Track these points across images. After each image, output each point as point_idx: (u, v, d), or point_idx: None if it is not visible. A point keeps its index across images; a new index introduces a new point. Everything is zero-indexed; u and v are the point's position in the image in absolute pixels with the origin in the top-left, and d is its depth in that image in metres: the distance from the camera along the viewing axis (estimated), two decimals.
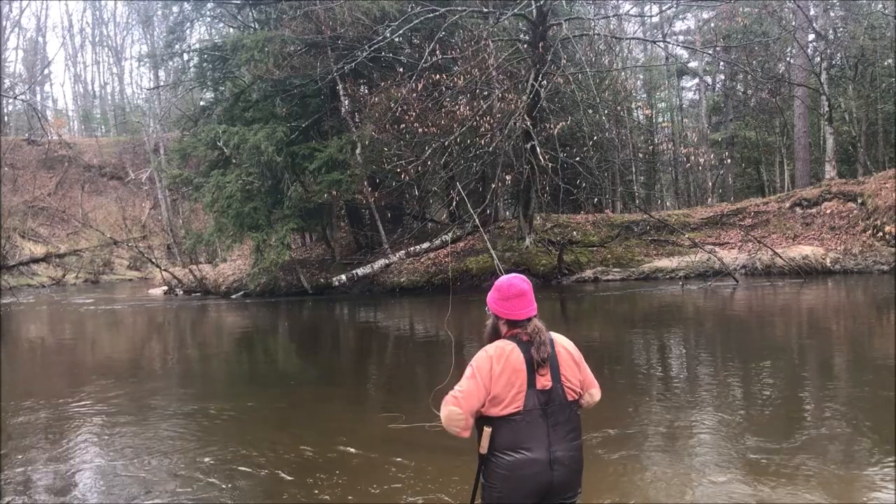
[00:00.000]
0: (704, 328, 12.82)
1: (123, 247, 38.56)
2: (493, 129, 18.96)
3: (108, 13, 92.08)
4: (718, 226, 22.11)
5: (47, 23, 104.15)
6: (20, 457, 6.15)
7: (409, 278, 21.06)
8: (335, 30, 19.87)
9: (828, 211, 20.84)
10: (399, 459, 5.57)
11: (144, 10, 44.75)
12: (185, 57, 26.66)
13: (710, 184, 33.09)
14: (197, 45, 26.95)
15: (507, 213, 27.61)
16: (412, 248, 21.59)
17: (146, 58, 38.65)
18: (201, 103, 29.21)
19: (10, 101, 47.11)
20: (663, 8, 30.82)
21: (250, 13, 24.71)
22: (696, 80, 36.22)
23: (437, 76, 18.85)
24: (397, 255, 21.55)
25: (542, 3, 19.00)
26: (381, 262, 21.43)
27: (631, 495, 4.78)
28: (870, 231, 19.38)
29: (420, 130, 18.73)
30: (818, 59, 25.79)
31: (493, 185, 19.89)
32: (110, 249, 39.97)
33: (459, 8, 19.75)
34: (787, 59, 29.78)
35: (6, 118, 54.66)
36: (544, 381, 2.77)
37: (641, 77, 35.10)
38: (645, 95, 36.17)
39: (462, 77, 19.03)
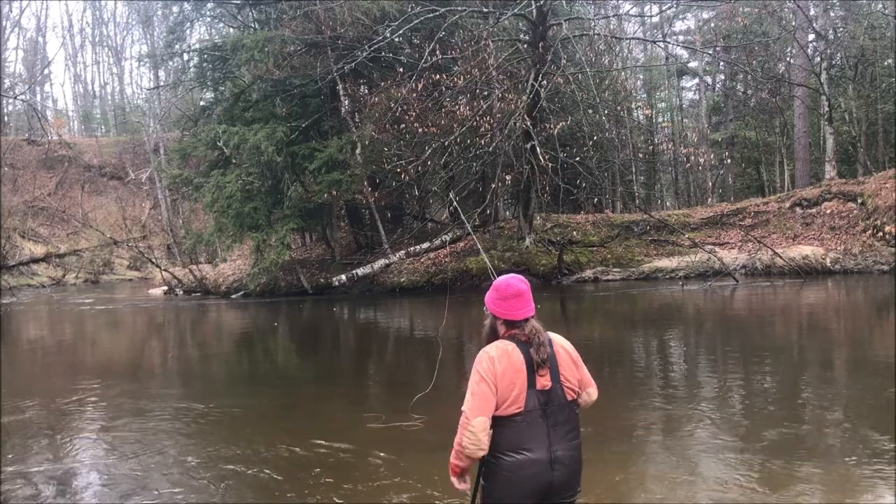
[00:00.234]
0: (704, 328, 12.82)
1: (123, 247, 38.56)
2: (493, 129, 18.96)
3: (108, 13, 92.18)
4: (718, 226, 22.11)
5: (47, 23, 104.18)
6: (20, 456, 6.16)
7: (408, 278, 21.07)
8: (335, 30, 19.87)
9: (828, 211, 20.84)
10: (388, 457, 5.58)
11: (144, 10, 44.79)
12: (185, 57, 26.69)
13: (710, 184, 33.09)
14: (197, 45, 26.97)
15: (507, 213, 27.61)
16: (412, 248, 21.60)
17: (146, 58, 38.68)
18: (201, 103, 29.22)
19: (10, 101, 47.16)
20: (663, 8, 30.83)
21: (250, 13, 24.72)
22: (696, 80, 36.22)
23: (437, 76, 18.85)
24: (397, 255, 21.56)
25: (542, 3, 19.00)
26: (381, 262, 21.44)
27: (631, 495, 4.79)
28: (870, 231, 19.38)
29: (420, 130, 18.74)
30: (818, 59, 25.79)
31: (493, 185, 19.90)
32: (110, 249, 39.96)
33: (459, 8, 19.76)
34: (787, 59, 29.78)
35: (6, 118, 54.67)
36: (544, 382, 2.77)
37: (641, 77, 35.10)
38: (645, 95, 36.17)
39: (462, 77, 19.03)
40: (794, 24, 26.23)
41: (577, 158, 20.04)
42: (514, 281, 2.92)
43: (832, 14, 29.12)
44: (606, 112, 23.04)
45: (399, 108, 18.96)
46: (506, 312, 2.87)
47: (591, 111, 21.21)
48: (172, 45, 26.16)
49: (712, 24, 31.49)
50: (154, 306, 23.02)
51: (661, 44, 30.03)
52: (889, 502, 4.44)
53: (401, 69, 19.91)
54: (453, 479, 2.89)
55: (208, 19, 29.82)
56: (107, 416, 7.58)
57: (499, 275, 3.07)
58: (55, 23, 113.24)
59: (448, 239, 21.07)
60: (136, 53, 66.25)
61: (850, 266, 18.86)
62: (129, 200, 47.74)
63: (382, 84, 20.71)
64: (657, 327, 12.74)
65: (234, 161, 21.33)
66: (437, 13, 18.78)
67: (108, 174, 50.95)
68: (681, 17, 36.13)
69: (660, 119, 38.66)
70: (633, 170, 29.92)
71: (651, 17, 32.52)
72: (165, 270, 27.35)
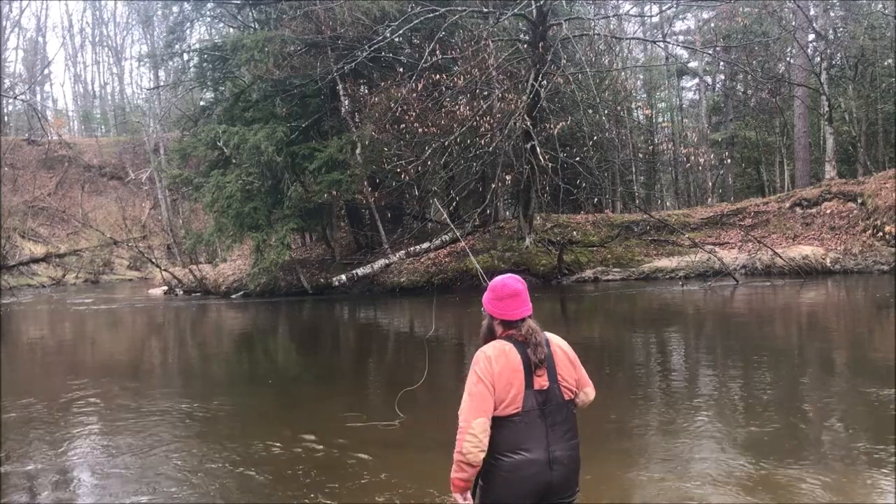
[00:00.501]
0: (704, 328, 12.82)
1: (123, 247, 38.55)
2: (493, 129, 18.96)
3: (108, 13, 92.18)
4: (718, 226, 22.12)
5: (47, 23, 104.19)
6: (20, 455, 6.17)
7: (409, 278, 21.07)
8: (335, 30, 19.87)
9: (828, 211, 20.84)
10: (389, 457, 5.57)
11: (144, 10, 44.79)
12: (185, 57, 26.68)
13: (710, 184, 33.09)
14: (197, 45, 26.96)
15: (507, 213, 27.60)
16: (412, 248, 21.60)
17: (146, 58, 38.67)
18: (201, 103, 29.21)
19: (10, 101, 47.16)
20: (663, 8, 30.83)
21: (250, 13, 24.72)
22: (696, 80, 36.23)
23: (437, 76, 18.86)
24: (397, 255, 21.56)
25: (542, 3, 19.00)
26: (381, 262, 21.43)
27: (631, 495, 4.79)
28: (870, 231, 19.38)
29: (420, 130, 18.74)
30: (818, 59, 25.79)
31: (493, 185, 19.90)
32: (110, 249, 39.95)
33: (459, 8, 19.76)
34: (787, 59, 29.78)
35: (6, 118, 54.67)
36: (541, 382, 2.77)
37: (641, 77, 35.10)
38: (645, 95, 36.18)
39: (462, 77, 19.04)
40: (794, 24, 26.24)
41: (577, 158, 20.05)
42: (511, 281, 2.92)
43: (832, 14, 29.12)
44: (606, 112, 23.05)
45: (399, 108, 18.96)
46: (502, 312, 2.87)
47: (591, 111, 21.21)
48: (172, 45, 26.15)
49: (712, 24, 31.50)
50: (154, 306, 23.02)
51: (661, 44, 30.05)
52: (889, 503, 4.43)
53: (401, 69, 19.91)
54: (456, 496, 2.78)
55: (208, 19, 29.82)
56: (104, 416, 7.59)
57: (496, 275, 3.06)
58: (55, 23, 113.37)
59: (445, 241, 21.05)
60: (136, 53, 66.36)
61: (850, 266, 18.86)
62: (129, 200, 47.74)
63: (382, 84, 20.71)
64: (657, 327, 12.74)
65: (234, 161, 21.33)
66: (437, 13, 18.78)
67: (108, 174, 50.95)
68: (681, 17, 36.17)
69: (660, 119, 38.67)
70: (633, 170, 29.93)
71: (651, 17, 32.55)
72: (165, 270, 27.35)
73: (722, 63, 32.31)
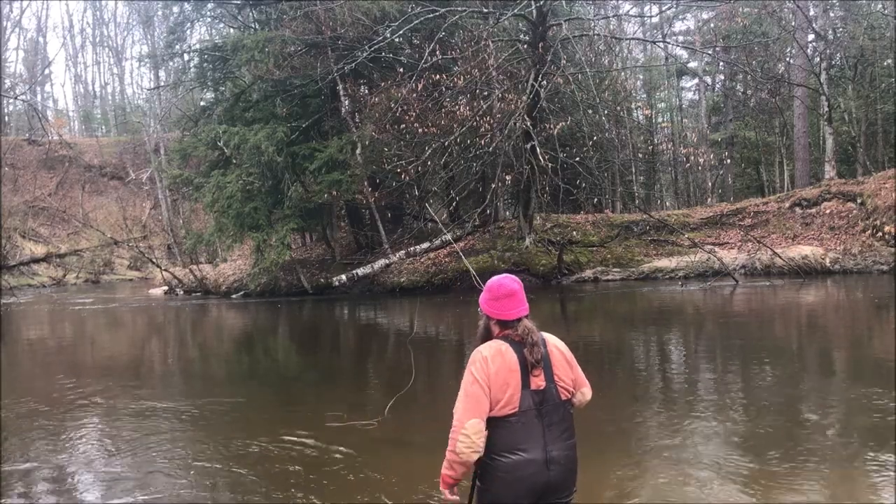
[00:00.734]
0: (704, 328, 12.83)
1: (124, 247, 38.58)
2: (493, 130, 18.98)
3: (108, 13, 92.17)
4: (718, 226, 22.13)
5: (48, 23, 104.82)
6: (19, 454, 6.19)
7: (409, 278, 21.08)
8: (335, 30, 19.89)
9: (827, 211, 20.85)
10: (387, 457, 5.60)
11: (145, 11, 44.80)
12: (186, 57, 26.71)
13: (710, 184, 33.10)
14: (197, 46, 27.00)
15: (507, 213, 27.62)
16: (412, 248, 21.61)
17: (146, 58, 38.75)
18: (202, 103, 29.23)
19: (11, 101, 47.18)
20: (663, 8, 30.83)
21: (250, 13, 24.74)
22: (696, 81, 36.23)
23: (437, 76, 18.87)
24: (397, 255, 21.58)
25: (542, 3, 19.02)
26: (381, 262, 21.45)
27: (631, 495, 4.80)
28: (869, 231, 19.39)
29: (420, 130, 18.75)
30: (818, 59, 25.80)
31: (493, 185, 19.91)
32: (110, 249, 39.98)
33: (459, 8, 19.78)
34: (787, 59, 29.78)
35: (7, 118, 54.69)
36: (538, 382, 2.78)
37: (641, 77, 35.10)
38: (645, 95, 36.18)
39: (462, 77, 19.05)
40: (793, 24, 26.25)
41: (577, 158, 20.06)
42: (507, 281, 2.93)
43: (832, 14, 29.13)
44: (606, 112, 23.06)
45: (399, 109, 18.98)
46: (499, 312, 2.88)
47: (590, 111, 21.23)
48: (173, 46, 26.18)
49: (712, 25, 31.51)
50: (154, 306, 23.03)
51: (661, 44, 30.05)
52: (889, 503, 4.45)
53: (401, 69, 19.92)
54: (444, 492, 2.83)
55: (208, 19, 29.84)
56: (103, 416, 7.62)
57: (495, 276, 3.08)
58: (55, 23, 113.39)
59: (445, 241, 21.05)
60: (137, 54, 66.41)
61: (850, 266, 18.87)
62: (129, 200, 47.77)
63: (382, 84, 20.72)
64: (657, 327, 12.76)
65: (234, 161, 21.35)
66: (437, 13, 18.79)
67: (108, 174, 50.97)
68: (680, 17, 36.17)
69: (659, 119, 38.68)
70: (633, 170, 29.94)
71: (651, 17, 32.55)
72: (166, 270, 27.37)
73: (722, 63, 32.32)
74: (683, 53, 36.01)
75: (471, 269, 4.11)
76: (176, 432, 6.88)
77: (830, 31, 28.08)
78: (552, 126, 18.98)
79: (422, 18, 19.06)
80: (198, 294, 25.00)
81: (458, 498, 2.85)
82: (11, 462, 5.99)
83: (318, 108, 22.35)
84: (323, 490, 5.07)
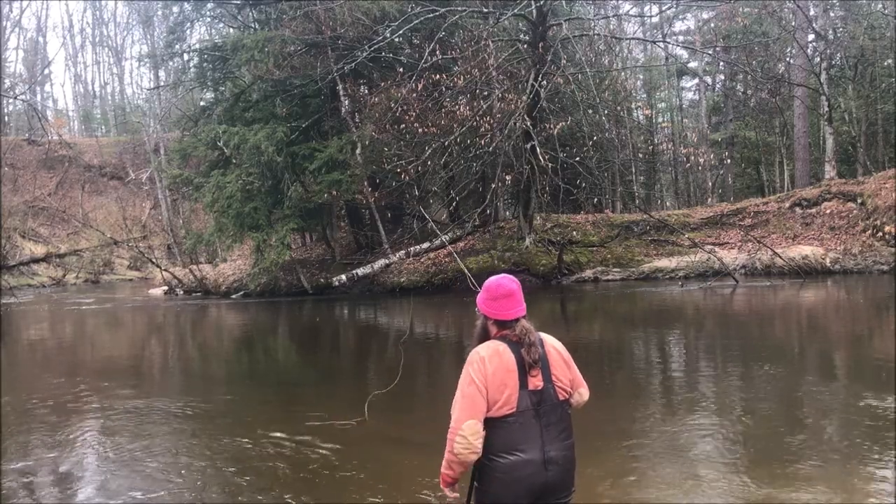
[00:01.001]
0: (704, 328, 12.83)
1: (123, 247, 38.58)
2: (493, 129, 18.97)
3: (108, 13, 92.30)
4: (718, 226, 22.12)
5: (47, 23, 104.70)
6: (19, 453, 6.19)
7: (409, 278, 21.07)
8: (335, 30, 19.88)
9: (827, 211, 20.85)
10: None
11: (144, 11, 44.79)
12: (186, 57, 26.71)
13: (710, 184, 33.10)
14: (197, 46, 26.99)
15: (507, 213, 27.62)
16: (412, 248, 21.60)
17: (146, 58, 38.71)
18: (201, 103, 29.23)
19: (11, 101, 47.17)
20: (663, 8, 30.83)
21: (250, 13, 24.73)
22: (696, 80, 36.23)
23: (437, 76, 18.86)
24: (397, 255, 21.57)
25: (542, 3, 19.01)
26: (381, 262, 21.45)
27: (631, 495, 4.79)
28: (869, 231, 19.39)
29: (420, 130, 18.74)
30: (818, 59, 25.79)
31: (493, 185, 19.90)
32: (110, 249, 39.98)
33: (459, 8, 19.77)
34: (787, 59, 29.78)
35: (6, 118, 54.69)
36: (536, 382, 2.77)
37: (641, 77, 35.10)
38: (645, 95, 36.18)
39: (462, 77, 19.04)
40: (793, 24, 26.24)
41: (577, 158, 20.05)
42: (505, 281, 2.92)
43: (832, 14, 29.12)
44: (606, 112, 23.05)
45: (399, 108, 18.97)
46: (497, 312, 2.87)
47: (590, 111, 21.22)
48: (172, 46, 26.17)
49: (712, 25, 31.51)
50: (154, 306, 23.02)
51: (661, 44, 30.06)
52: (889, 502, 4.44)
53: (401, 69, 19.92)
54: (444, 490, 2.85)
55: (208, 19, 29.85)
56: (102, 415, 7.62)
57: (495, 276, 3.07)
58: (55, 23, 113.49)
59: (445, 241, 21.04)
60: (137, 53, 66.40)
61: (850, 266, 18.86)
62: (129, 200, 47.76)
63: (382, 84, 20.72)
64: (657, 327, 12.75)
65: (234, 161, 21.34)
66: (437, 13, 18.78)
67: (108, 174, 50.97)
68: (681, 17, 36.17)
69: (660, 119, 38.68)
70: (633, 170, 29.94)
71: (651, 17, 32.56)
72: (166, 270, 27.36)
73: (722, 63, 32.33)
74: (683, 53, 36.06)
75: (466, 271, 4.09)
76: (173, 431, 6.89)
77: (831, 31, 28.07)
78: (552, 126, 18.97)
79: (422, 18, 19.06)
80: (198, 294, 24.99)
81: (458, 495, 2.86)
82: (12, 461, 5.98)
83: (318, 108, 22.34)
84: (316, 489, 5.07)
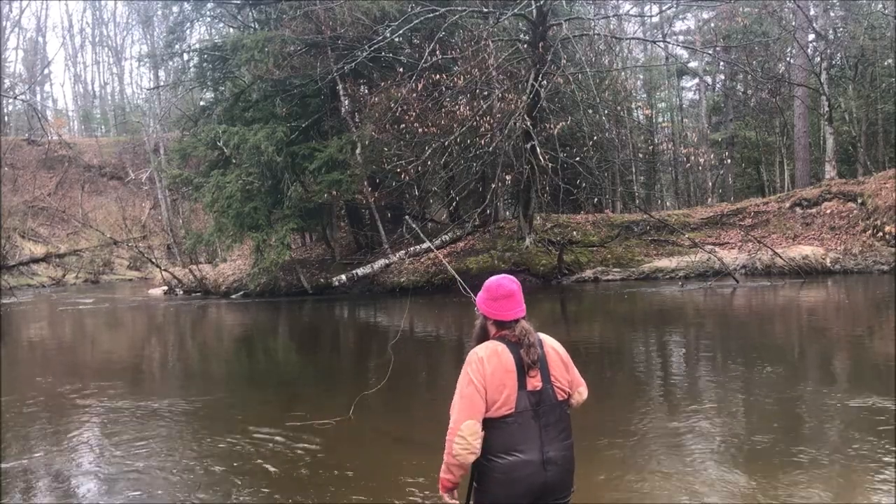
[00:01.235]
0: (704, 328, 12.81)
1: (123, 247, 38.57)
2: (493, 129, 18.96)
3: (108, 13, 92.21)
4: (718, 226, 22.11)
5: (47, 23, 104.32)
6: (19, 453, 6.18)
7: (409, 278, 21.05)
8: (335, 30, 19.87)
9: (828, 211, 20.84)
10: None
11: (144, 11, 44.80)
12: (185, 57, 26.69)
13: (710, 184, 33.10)
14: (197, 45, 26.96)
15: (507, 213, 27.61)
16: (412, 248, 21.59)
17: (146, 58, 38.69)
18: (201, 103, 29.22)
19: (10, 101, 47.19)
20: (663, 8, 30.81)
21: (250, 13, 24.72)
22: (696, 80, 36.23)
23: (437, 76, 18.85)
24: (397, 255, 21.56)
25: (542, 3, 19.00)
26: (381, 262, 21.43)
27: (631, 495, 4.78)
28: (870, 231, 19.38)
29: (420, 130, 18.73)
30: (818, 59, 25.78)
31: (493, 185, 19.89)
32: (110, 249, 39.97)
33: (459, 8, 19.76)
34: (787, 59, 29.78)
35: (6, 118, 54.68)
36: (535, 382, 2.76)
37: (641, 77, 35.10)
38: (645, 95, 36.18)
39: (462, 77, 19.03)
40: (794, 24, 26.23)
41: (577, 158, 20.04)
42: (505, 281, 2.91)
43: (832, 14, 29.12)
44: (606, 112, 23.04)
45: (399, 108, 18.96)
46: (496, 313, 2.86)
47: (591, 111, 21.21)
48: (172, 45, 26.16)
49: (712, 24, 31.50)
50: (154, 306, 23.01)
51: (661, 44, 30.06)
52: (889, 502, 4.43)
53: (401, 69, 19.91)
54: (444, 495, 2.82)
55: (208, 19, 29.83)
56: (101, 415, 7.62)
57: (494, 277, 3.05)
58: (55, 23, 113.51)
59: (445, 241, 21.03)
60: (136, 53, 66.40)
61: (850, 266, 18.85)
62: (129, 200, 47.74)
63: (382, 84, 20.71)
64: (657, 327, 12.74)
65: (234, 161, 21.33)
66: (437, 13, 18.77)
67: (108, 174, 50.96)
68: (681, 17, 36.18)
69: (660, 119, 38.68)
70: (633, 170, 29.93)
71: (651, 17, 32.54)
72: (165, 270, 27.35)
73: (722, 63, 32.32)
74: (684, 53, 36.05)
75: (457, 277, 4.07)
76: (173, 432, 6.89)
77: (831, 31, 28.07)
78: (552, 126, 18.96)
79: (422, 18, 19.05)
80: (197, 294, 24.97)
81: (457, 502, 2.84)
82: (12, 460, 5.98)
83: (318, 108, 22.33)
84: (315, 489, 5.06)
